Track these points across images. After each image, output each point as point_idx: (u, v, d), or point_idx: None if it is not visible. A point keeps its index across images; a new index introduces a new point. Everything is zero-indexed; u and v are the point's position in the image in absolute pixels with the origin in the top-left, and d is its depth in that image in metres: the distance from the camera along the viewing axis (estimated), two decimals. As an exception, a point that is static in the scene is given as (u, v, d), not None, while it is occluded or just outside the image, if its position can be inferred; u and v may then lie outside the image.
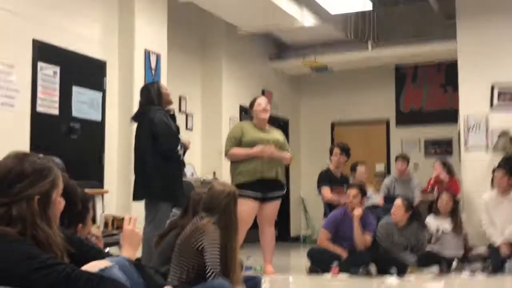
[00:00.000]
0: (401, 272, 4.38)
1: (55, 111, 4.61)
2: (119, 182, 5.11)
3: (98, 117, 5.05)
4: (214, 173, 6.59)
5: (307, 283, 4.59)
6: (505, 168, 5.10)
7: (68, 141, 4.71)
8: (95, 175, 4.92)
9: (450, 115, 7.47)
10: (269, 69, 8.32)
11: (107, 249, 3.67)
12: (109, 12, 5.24)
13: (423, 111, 8.47)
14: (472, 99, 6.27)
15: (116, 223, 4.48)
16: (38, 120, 4.43)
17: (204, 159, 6.90)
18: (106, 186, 5.00)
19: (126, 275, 1.65)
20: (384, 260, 4.51)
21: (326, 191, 5.53)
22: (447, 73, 8.05)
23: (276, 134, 4.73)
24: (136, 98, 4.39)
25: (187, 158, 4.58)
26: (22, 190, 1.50)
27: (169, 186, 3.95)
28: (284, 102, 8.62)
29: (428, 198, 6.01)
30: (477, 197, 5.49)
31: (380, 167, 8.31)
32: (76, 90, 4.82)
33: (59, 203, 1.61)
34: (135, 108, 4.35)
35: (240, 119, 7.06)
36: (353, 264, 4.46)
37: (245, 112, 6.78)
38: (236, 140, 4.54)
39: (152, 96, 4.10)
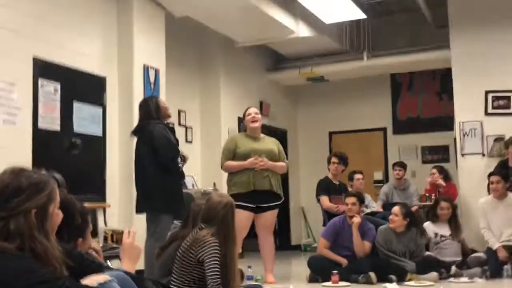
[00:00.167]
0: (401, 278, 4.43)
1: (57, 127, 4.68)
2: (121, 195, 5.16)
3: (99, 132, 5.12)
4: (214, 184, 6.65)
5: (308, 291, 4.62)
6: (500, 173, 5.17)
7: (70, 157, 4.78)
8: (97, 189, 4.98)
9: (446, 122, 7.55)
10: (266, 80, 8.42)
11: (108, 262, 3.72)
12: (108, 28, 5.33)
13: (420, 118, 8.56)
14: (467, 106, 6.37)
15: (115, 237, 4.52)
16: (40, 137, 4.49)
17: (204, 171, 6.97)
18: (108, 200, 5.06)
19: (125, 289, 1.66)
20: (384, 267, 4.55)
21: (325, 199, 5.59)
22: (442, 81, 8.15)
23: (270, 144, 4.75)
24: (136, 112, 4.44)
25: (187, 170, 4.64)
26: (19, 204, 1.52)
27: (170, 199, 4.00)
28: (281, 112, 8.71)
29: (426, 204, 6.07)
30: (474, 202, 5.55)
31: (378, 175, 8.38)
32: (77, 106, 4.90)
33: (57, 216, 1.63)
34: (135, 122, 4.41)
35: (239, 131, 7.14)
36: (353, 272, 4.50)
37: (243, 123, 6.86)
38: (230, 153, 4.61)
39: (151, 110, 4.16)
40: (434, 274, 4.55)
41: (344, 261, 4.67)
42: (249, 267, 4.68)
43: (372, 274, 4.41)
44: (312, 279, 4.70)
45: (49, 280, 1.44)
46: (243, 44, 7.14)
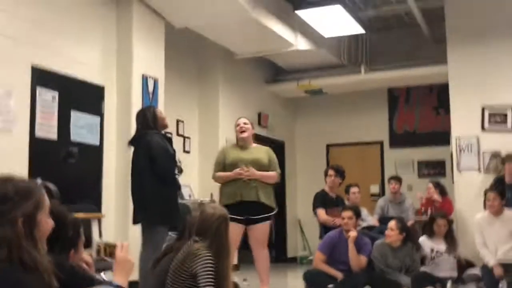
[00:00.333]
0: (396, 293, 4.42)
1: (54, 136, 4.67)
2: (117, 206, 5.13)
3: (96, 142, 5.11)
4: (212, 195, 6.64)
5: (303, 305, 4.59)
6: (497, 189, 5.17)
7: (66, 166, 4.76)
8: (93, 200, 4.95)
9: (443, 137, 7.57)
10: (265, 92, 8.45)
11: (102, 274, 3.69)
12: (107, 37, 5.35)
13: (416, 133, 8.58)
14: (463, 121, 6.39)
15: (108, 250, 4.48)
16: (36, 145, 4.48)
17: (201, 181, 6.95)
18: (104, 210, 5.03)
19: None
20: (379, 282, 4.54)
21: (321, 212, 5.58)
22: (439, 96, 8.19)
23: (259, 153, 4.62)
24: (134, 122, 4.44)
25: (184, 180, 4.62)
26: (5, 212, 1.48)
27: (165, 210, 3.98)
28: (279, 124, 8.73)
29: (421, 220, 6.06)
30: (470, 218, 5.55)
31: (375, 188, 8.38)
32: (74, 115, 4.89)
33: (46, 223, 1.58)
34: (133, 132, 4.40)
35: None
36: (349, 286, 4.48)
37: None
38: (220, 164, 4.58)
39: (148, 120, 4.16)
40: (429, 290, 4.53)
41: (339, 275, 4.65)
42: (245, 279, 4.65)
43: (367, 289, 4.40)
44: (307, 293, 4.68)
45: None
46: (242, 56, 7.18)
